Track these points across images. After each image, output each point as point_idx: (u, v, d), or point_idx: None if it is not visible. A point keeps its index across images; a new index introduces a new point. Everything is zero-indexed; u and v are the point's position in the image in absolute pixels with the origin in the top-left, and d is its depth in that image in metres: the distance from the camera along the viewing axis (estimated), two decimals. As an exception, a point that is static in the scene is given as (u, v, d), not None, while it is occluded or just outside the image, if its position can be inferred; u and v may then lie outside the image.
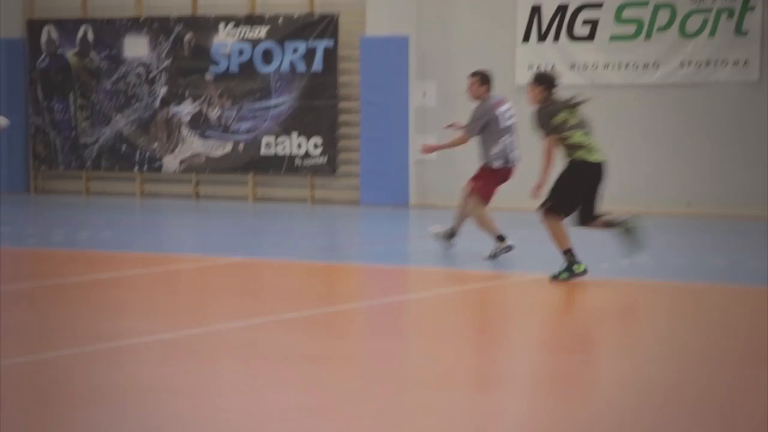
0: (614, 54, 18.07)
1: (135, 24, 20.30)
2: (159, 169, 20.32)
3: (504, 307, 10.70)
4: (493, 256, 12.74)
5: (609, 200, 17.88)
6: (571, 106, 11.60)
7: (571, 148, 11.47)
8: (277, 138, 19.55)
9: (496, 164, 13.11)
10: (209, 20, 19.92)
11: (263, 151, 19.57)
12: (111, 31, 20.44)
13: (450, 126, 13.99)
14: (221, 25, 19.83)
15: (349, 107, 19.29)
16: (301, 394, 7.11)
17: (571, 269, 11.25)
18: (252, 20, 19.66)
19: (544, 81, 11.74)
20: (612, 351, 8.68)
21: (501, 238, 12.90)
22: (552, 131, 11.48)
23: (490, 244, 12.95)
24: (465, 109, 18.65)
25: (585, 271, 11.26)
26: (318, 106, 19.28)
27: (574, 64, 18.22)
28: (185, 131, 20.11)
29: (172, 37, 20.09)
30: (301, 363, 7.96)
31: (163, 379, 7.46)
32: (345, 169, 19.38)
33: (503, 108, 13.34)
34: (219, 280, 11.74)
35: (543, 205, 11.51)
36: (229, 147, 19.88)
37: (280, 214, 18.25)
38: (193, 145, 20.09)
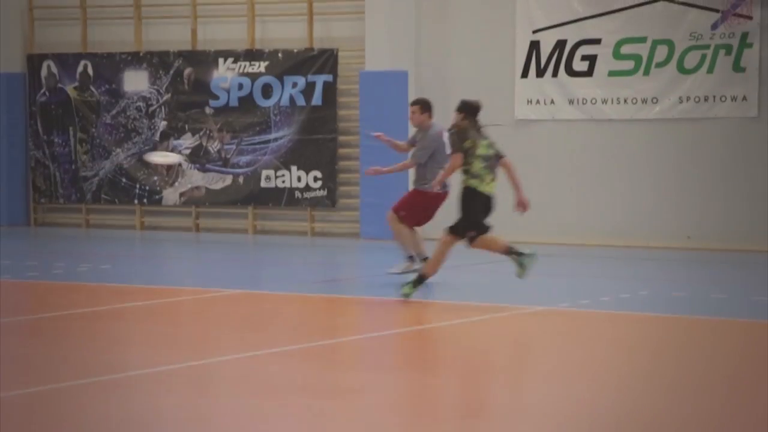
0: (613, 89, 18.14)
1: (135, 58, 20.38)
2: (159, 202, 20.35)
3: (503, 339, 10.71)
4: (397, 272, 13.17)
5: (609, 234, 18.07)
6: (482, 135, 12.41)
7: (467, 173, 12.35)
8: (276, 171, 19.59)
9: (436, 190, 13.31)
10: (209, 55, 20.00)
11: (263, 184, 19.61)
12: (111, 65, 20.51)
13: (378, 136, 14.29)
14: (221, 60, 19.91)
15: (348, 141, 19.35)
16: (303, 426, 7.11)
17: (412, 285, 12.14)
18: (251, 55, 19.74)
19: (465, 109, 12.52)
20: (610, 382, 8.69)
21: (411, 259, 13.32)
22: (459, 152, 12.32)
23: (492, 277, 12.95)
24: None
25: (408, 296, 12.10)
26: (317, 139, 19.34)
27: (573, 99, 18.29)
28: (185, 165, 20.15)
29: (172, 71, 20.17)
30: (302, 395, 7.96)
31: (165, 411, 7.46)
32: (345, 202, 19.42)
33: (446, 136, 13.53)
34: (219, 313, 11.75)
35: (456, 232, 12.39)
36: (228, 180, 19.92)
37: (279, 246, 18.26)
38: (192, 178, 20.13)
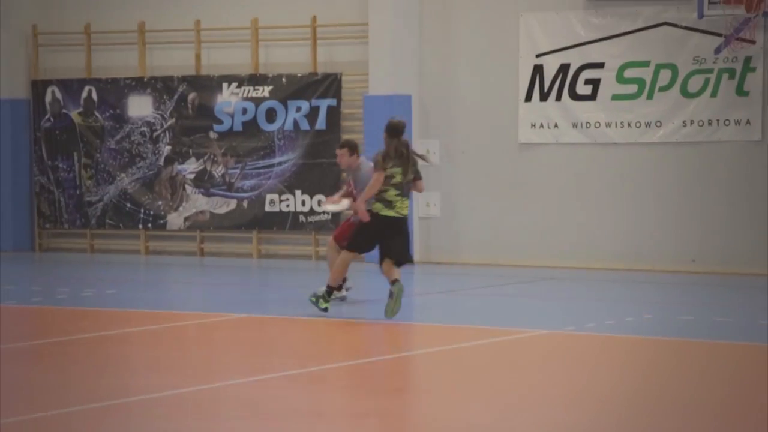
0: (616, 113, 18.16)
1: (139, 83, 20.43)
2: (163, 226, 20.37)
3: (509, 363, 10.71)
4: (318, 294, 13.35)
5: (614, 257, 18.07)
6: (405, 159, 12.77)
7: (377, 197, 12.79)
8: (281, 195, 19.61)
9: (362, 209, 13.43)
10: (213, 80, 20.05)
11: (267, 208, 19.63)
12: (115, 90, 20.56)
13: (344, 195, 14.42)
14: (224, 85, 19.97)
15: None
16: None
17: (324, 299, 12.81)
18: (255, 80, 19.79)
19: (386, 129, 12.97)
20: (615, 406, 8.68)
21: (339, 288, 13.53)
22: (380, 170, 12.79)
23: (496, 301, 12.95)
24: (467, 167, 18.86)
25: (326, 310, 12.76)
26: (322, 163, 19.36)
27: (577, 123, 18.32)
28: (189, 189, 20.19)
29: (176, 96, 20.22)
30: (308, 419, 7.96)
31: (172, 435, 7.46)
32: (348, 227, 19.42)
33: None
34: (224, 337, 11.75)
35: (344, 240, 13.30)
36: (233, 204, 19.95)
37: (284, 271, 18.27)
38: (197, 202, 20.16)
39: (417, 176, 12.97)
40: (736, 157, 17.53)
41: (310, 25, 19.52)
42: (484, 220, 18.69)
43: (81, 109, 20.76)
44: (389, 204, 12.80)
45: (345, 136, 19.29)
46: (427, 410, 8.46)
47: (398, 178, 12.77)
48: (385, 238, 12.86)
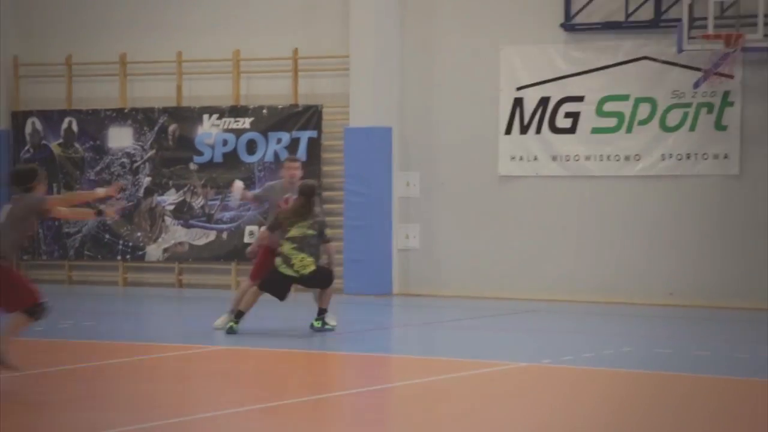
0: (596, 146, 18.22)
1: (119, 115, 20.42)
2: (142, 257, 20.32)
3: (481, 395, 10.69)
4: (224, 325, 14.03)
5: (593, 290, 18.07)
6: (310, 215, 13.66)
7: (278, 252, 13.72)
8: (260, 227, 19.60)
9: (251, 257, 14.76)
10: (193, 111, 20.06)
11: (246, 239, 19.60)
12: (95, 121, 20.55)
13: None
14: (205, 116, 19.98)
15: (333, 197, 19.36)
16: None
17: (235, 321, 13.84)
18: (236, 111, 19.80)
19: (299, 191, 13.92)
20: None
21: (239, 314, 14.01)
22: (268, 229, 14.04)
23: (475, 333, 12.94)
24: (447, 200, 18.87)
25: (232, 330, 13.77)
26: (302, 196, 19.33)
27: (557, 156, 18.36)
28: (169, 220, 20.16)
29: (157, 127, 20.21)
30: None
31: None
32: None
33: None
34: (202, 369, 11.70)
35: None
36: (212, 236, 19.92)
37: (262, 302, 18.19)
38: (176, 233, 20.13)
39: (323, 237, 13.73)
40: (714, 191, 17.59)
41: (292, 57, 19.56)
42: (463, 252, 18.69)
43: (61, 140, 20.73)
44: (287, 260, 13.63)
45: (325, 168, 19.35)
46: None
47: (295, 232, 13.59)
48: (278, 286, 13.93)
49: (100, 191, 11.67)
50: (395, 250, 18.93)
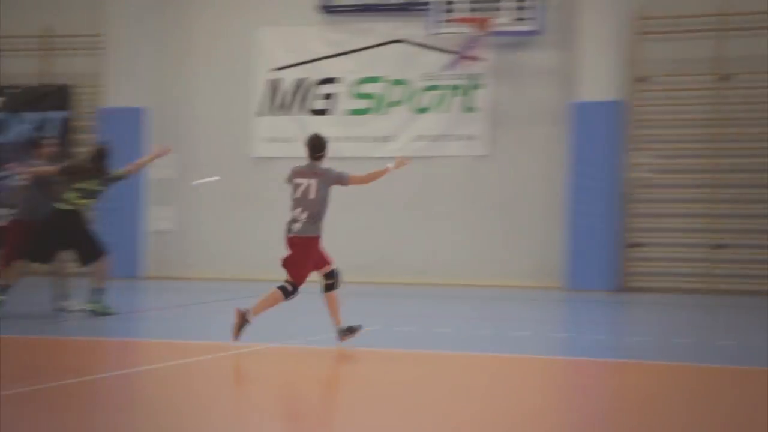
0: (352, 128, 18.40)
1: None
2: None
3: (231, 377, 10.67)
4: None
5: (352, 270, 18.26)
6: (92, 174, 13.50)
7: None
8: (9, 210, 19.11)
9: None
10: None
11: (-8, 222, 19.10)
12: None
13: None
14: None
15: (86, 179, 18.99)
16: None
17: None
18: None
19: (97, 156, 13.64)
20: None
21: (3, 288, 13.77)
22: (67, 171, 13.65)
23: (224, 318, 12.89)
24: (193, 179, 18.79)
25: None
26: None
27: (311, 137, 18.45)
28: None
29: None
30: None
31: None
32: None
33: None
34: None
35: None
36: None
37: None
38: None
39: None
40: (463, 171, 17.97)
41: (43, 35, 19.10)
42: (218, 234, 18.63)
43: None
44: (66, 201, 13.50)
45: (79, 150, 19.00)
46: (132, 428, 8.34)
47: (83, 185, 13.51)
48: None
49: None
50: (149, 232, 18.73)
